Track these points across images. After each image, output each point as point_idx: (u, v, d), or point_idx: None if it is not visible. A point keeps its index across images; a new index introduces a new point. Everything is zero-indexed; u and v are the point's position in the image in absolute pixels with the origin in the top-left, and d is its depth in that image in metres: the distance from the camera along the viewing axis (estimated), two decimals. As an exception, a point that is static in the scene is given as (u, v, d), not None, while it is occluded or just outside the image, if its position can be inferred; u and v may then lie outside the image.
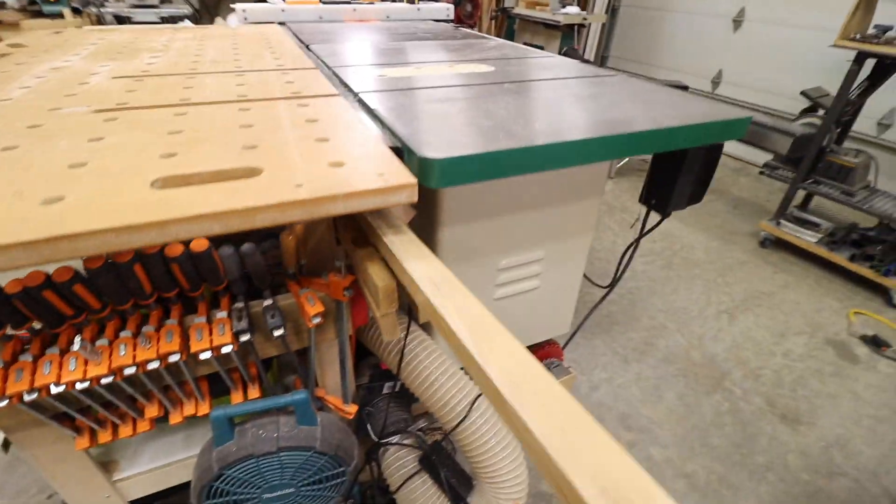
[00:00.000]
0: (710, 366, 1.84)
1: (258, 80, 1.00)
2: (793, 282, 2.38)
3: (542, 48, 3.64)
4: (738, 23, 3.65)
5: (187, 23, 2.65)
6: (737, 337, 1.99)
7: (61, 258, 0.44)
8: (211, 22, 3.40)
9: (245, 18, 1.92)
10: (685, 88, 3.12)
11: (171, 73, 1.03)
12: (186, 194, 0.50)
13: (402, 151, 0.68)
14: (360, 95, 0.91)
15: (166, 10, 2.72)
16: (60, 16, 2.86)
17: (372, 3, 2.21)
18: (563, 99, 0.96)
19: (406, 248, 0.57)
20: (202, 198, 0.50)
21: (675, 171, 1.02)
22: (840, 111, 2.23)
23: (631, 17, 4.53)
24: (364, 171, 0.58)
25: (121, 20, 2.66)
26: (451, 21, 2.33)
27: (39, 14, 2.88)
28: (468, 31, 2.02)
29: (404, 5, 2.22)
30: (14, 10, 2.86)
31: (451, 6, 2.31)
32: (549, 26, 3.41)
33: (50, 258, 0.43)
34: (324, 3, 2.09)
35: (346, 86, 1.00)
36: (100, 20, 2.79)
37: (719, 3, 3.72)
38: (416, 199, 0.58)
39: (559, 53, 3.52)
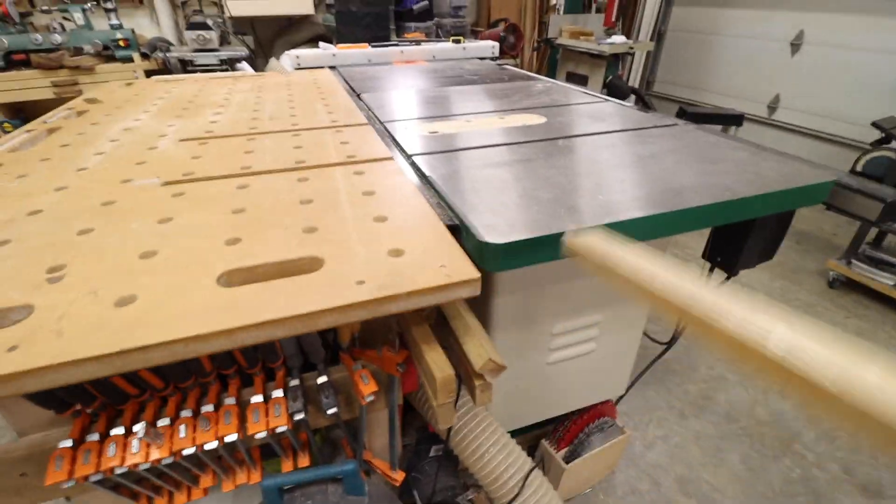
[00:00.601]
0: (778, 425, 1.68)
1: (314, 141, 1.02)
2: (868, 329, 2.17)
3: (587, 78, 3.61)
4: (796, 46, 3.48)
5: (245, 66, 2.81)
6: (806, 391, 1.82)
7: (131, 368, 0.44)
8: (266, 61, 3.59)
9: (298, 64, 2.01)
10: (740, 118, 2.96)
11: (232, 133, 1.07)
12: (252, 294, 0.50)
13: (458, 228, 0.67)
14: (414, 158, 0.90)
15: (225, 53, 2.90)
16: (130, 59, 3.11)
17: (418, 44, 2.25)
18: (621, 160, 0.91)
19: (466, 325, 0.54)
20: (268, 299, 0.49)
21: (744, 233, 0.95)
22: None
23: (678, 41, 4.42)
24: (425, 262, 0.57)
25: (184, 63, 2.85)
26: (497, 58, 2.35)
27: (112, 58, 3.13)
28: (514, 69, 2.02)
29: (449, 45, 2.25)
30: (90, 55, 3.13)
31: (496, 44, 2.33)
32: (594, 55, 3.37)
33: (121, 368, 0.44)
34: (373, 46, 2.15)
35: (398, 145, 1.01)
36: (165, 63, 3.00)
37: (775, 26, 3.56)
38: (478, 292, 0.55)
39: (604, 82, 3.49)
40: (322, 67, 2.00)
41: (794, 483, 1.50)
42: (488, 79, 1.74)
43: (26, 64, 2.92)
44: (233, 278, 0.54)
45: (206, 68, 2.82)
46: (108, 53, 3.13)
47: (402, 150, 0.97)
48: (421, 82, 1.67)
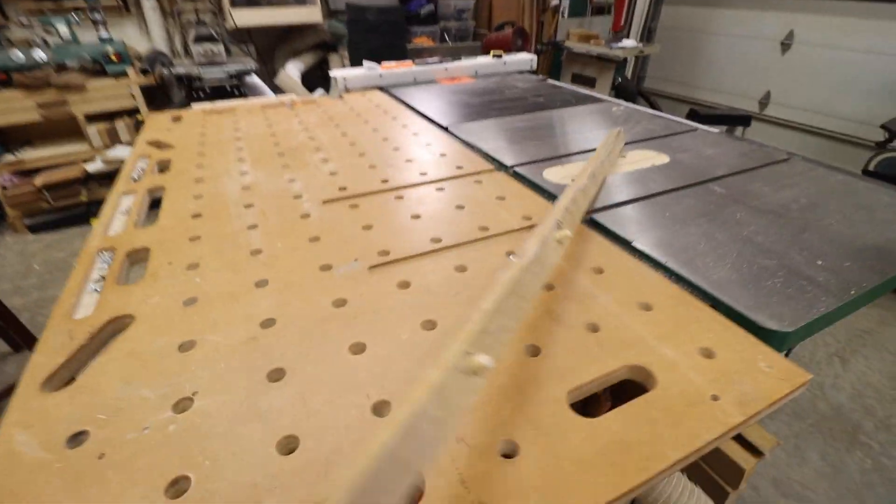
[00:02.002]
0: (840, 418, 1.80)
1: (467, 194, 0.97)
2: (890, 317, 2.35)
3: (594, 80, 3.65)
4: (786, 45, 3.66)
5: (256, 80, 2.64)
6: (854, 383, 1.96)
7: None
8: (265, 70, 3.40)
9: (346, 87, 1.91)
10: (748, 119, 3.10)
11: (368, 190, 1.01)
12: (617, 424, 0.48)
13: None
14: (636, 243, 0.86)
15: (233, 67, 2.70)
16: (124, 74, 2.85)
17: (458, 59, 2.20)
18: (791, 209, 0.93)
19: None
20: (645, 431, 0.47)
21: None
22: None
23: (668, 39, 4.55)
24: (743, 362, 0.56)
25: (189, 79, 2.64)
26: (534, 72, 2.33)
27: (102, 73, 2.87)
28: (567, 86, 2.01)
29: (489, 60, 2.21)
30: (76, 70, 2.86)
31: (535, 57, 2.31)
32: (602, 58, 3.41)
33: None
34: (416, 64, 2.08)
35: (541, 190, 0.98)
36: (162, 79, 2.78)
37: (765, 25, 3.73)
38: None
39: (613, 84, 3.53)
40: (372, 89, 1.92)
41: (869, 473, 1.61)
42: (556, 101, 1.73)
43: (6, 83, 2.63)
44: (572, 397, 0.51)
45: (215, 84, 2.63)
46: (96, 68, 2.86)
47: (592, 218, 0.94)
48: (488, 108, 1.63)
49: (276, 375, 0.54)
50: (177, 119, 1.56)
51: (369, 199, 0.97)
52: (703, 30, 4.20)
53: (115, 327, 0.63)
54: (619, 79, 3.41)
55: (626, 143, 1.28)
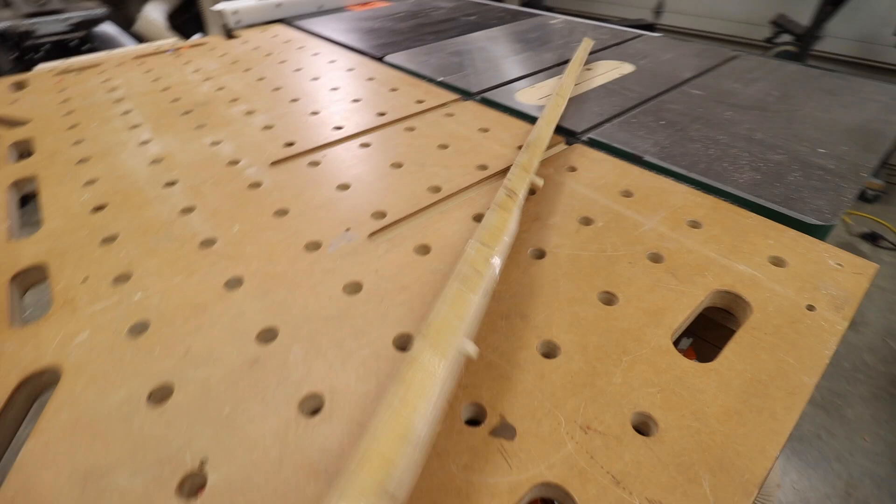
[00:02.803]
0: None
1: (436, 132, 0.83)
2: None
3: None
4: (673, -50, 3.71)
5: (111, 28, 2.08)
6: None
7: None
8: (125, 22, 2.73)
9: (238, 21, 1.56)
10: (652, 27, 3.20)
11: (325, 141, 0.82)
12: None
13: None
14: (647, 157, 0.75)
15: (77, 15, 2.09)
16: (-90, 38, 2.11)
17: (366, -19, 1.89)
18: (773, 102, 0.91)
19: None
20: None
21: None
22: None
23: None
24: (812, 262, 0.52)
25: (20, 36, 1.99)
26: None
27: None
28: (489, 3, 1.83)
29: (402, -21, 1.94)
30: None
31: (449, -27, 2.07)
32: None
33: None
34: None
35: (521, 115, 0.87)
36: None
37: (654, -70, 3.73)
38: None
39: (521, 1, 3.37)
40: (272, 23, 1.59)
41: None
42: (491, 19, 1.56)
43: None
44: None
45: (54, 40, 2.02)
46: None
47: (566, 130, 0.84)
48: (421, 33, 1.43)
49: (314, 405, 0.40)
50: (20, 86, 1.16)
51: (329, 151, 0.79)
52: (596, -62, 4.11)
53: (31, 391, 0.43)
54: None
55: (591, 56, 1.19)
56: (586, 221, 0.60)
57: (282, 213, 0.64)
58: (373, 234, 0.59)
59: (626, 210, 0.62)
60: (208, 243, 0.58)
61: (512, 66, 1.14)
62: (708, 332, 0.53)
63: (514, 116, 0.89)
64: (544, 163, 0.73)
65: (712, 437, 0.36)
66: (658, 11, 3.99)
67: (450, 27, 1.49)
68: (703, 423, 0.37)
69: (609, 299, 0.49)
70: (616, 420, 0.37)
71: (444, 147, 0.79)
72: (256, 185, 0.70)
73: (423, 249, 0.56)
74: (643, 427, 0.37)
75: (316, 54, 1.27)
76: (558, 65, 1.13)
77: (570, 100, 0.92)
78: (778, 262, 0.53)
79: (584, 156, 0.76)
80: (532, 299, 0.48)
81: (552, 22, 1.52)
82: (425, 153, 0.77)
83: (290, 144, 0.81)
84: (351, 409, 0.38)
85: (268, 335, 0.46)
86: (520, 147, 0.78)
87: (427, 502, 0.32)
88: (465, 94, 1.00)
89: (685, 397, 0.39)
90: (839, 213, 0.60)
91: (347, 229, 0.60)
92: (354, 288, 0.51)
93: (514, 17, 1.59)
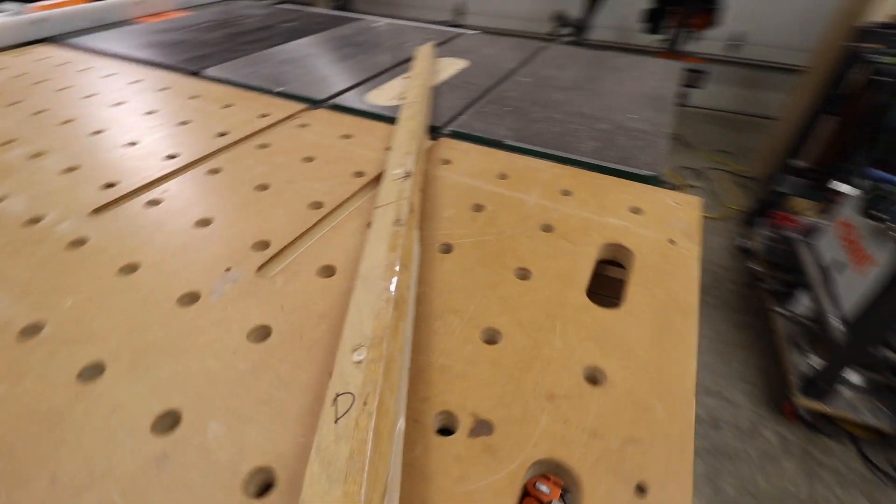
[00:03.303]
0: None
1: (356, 158, 0.76)
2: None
3: (311, 2, 3.33)
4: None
5: None
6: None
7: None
8: None
9: (-25, 44, 1.19)
10: (458, 27, 3.42)
11: (158, 174, 0.68)
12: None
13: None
14: (508, 141, 0.79)
15: None
16: None
17: (150, -12, 1.63)
18: (585, 81, 1.07)
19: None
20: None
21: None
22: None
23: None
24: (657, 205, 0.63)
25: None
26: (252, -4, 1.94)
27: None
28: (306, 9, 1.76)
29: (197, -15, 1.72)
30: None
31: (250, -22, 1.91)
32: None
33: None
34: None
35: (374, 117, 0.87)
36: None
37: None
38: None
39: (336, 8, 3.32)
40: (35, 44, 1.25)
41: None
42: (312, 25, 1.50)
43: None
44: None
45: None
46: None
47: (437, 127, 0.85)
48: (237, 43, 1.30)
49: (262, 480, 0.33)
50: None
51: (169, 185, 0.66)
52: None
53: None
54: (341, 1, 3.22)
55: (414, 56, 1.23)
56: (477, 208, 0.62)
57: (129, 269, 0.51)
58: (261, 267, 0.51)
59: (508, 191, 0.66)
60: (32, 331, 0.43)
61: (351, 70, 1.11)
62: (601, 290, 0.60)
63: (372, 119, 0.88)
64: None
65: (647, 369, 0.41)
66: (459, 13, 4.36)
67: (269, 35, 1.38)
68: (636, 359, 0.42)
69: (524, 275, 0.51)
70: (572, 380, 0.40)
71: (309, 160, 0.73)
72: (79, 242, 0.55)
73: (327, 270, 0.51)
74: (594, 379, 0.40)
75: (110, 75, 1.05)
76: (397, 65, 1.14)
77: (437, 92, 0.94)
78: (636, 210, 0.62)
79: (453, 148, 0.78)
80: (457, 293, 0.48)
81: (375, 25, 1.53)
82: (291, 169, 0.70)
83: (111, 185, 0.65)
84: (310, 468, 0.33)
85: (168, 421, 0.36)
86: (388, 148, 0.76)
87: (433, 533, 0.30)
88: (312, 103, 0.94)
89: (615, 342, 0.43)
90: (662, 163, 0.74)
91: (227, 269, 0.51)
92: (262, 332, 0.44)
93: (335, 22, 1.56)
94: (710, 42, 3.33)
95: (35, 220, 0.58)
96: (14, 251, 0.53)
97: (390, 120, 0.86)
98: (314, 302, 0.47)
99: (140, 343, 0.42)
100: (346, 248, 0.54)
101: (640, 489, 0.33)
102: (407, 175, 0.54)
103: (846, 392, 1.43)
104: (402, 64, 1.15)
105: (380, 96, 0.96)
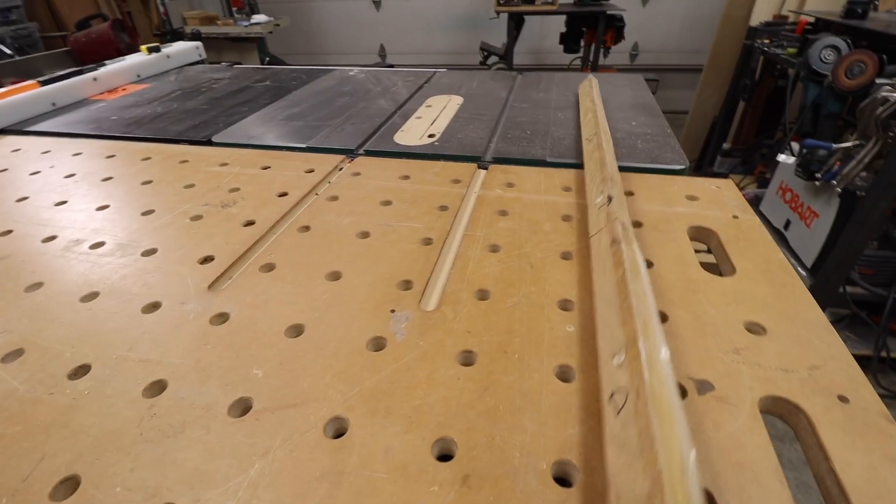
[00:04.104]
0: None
1: (432, 197, 0.80)
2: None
3: (239, 63, 3.30)
4: (377, 3, 4.28)
5: None
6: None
7: None
8: None
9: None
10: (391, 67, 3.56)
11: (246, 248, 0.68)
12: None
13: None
14: (548, 158, 0.89)
15: None
16: None
17: (104, 66, 1.56)
18: (567, 100, 1.21)
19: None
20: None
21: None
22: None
23: (272, 12, 4.51)
24: (708, 190, 0.75)
25: None
26: (201, 62, 1.93)
27: None
28: (270, 67, 1.77)
29: (150, 57, 1.68)
30: None
31: (200, 44, 1.90)
32: (238, 39, 3.10)
33: None
34: (44, 83, 1.36)
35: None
36: None
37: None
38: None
39: (262, 63, 3.34)
40: (-12, 138, 1.15)
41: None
42: (289, 80, 1.53)
43: None
44: (709, 276, 0.57)
45: None
46: None
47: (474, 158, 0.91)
48: (230, 107, 1.30)
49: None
50: None
51: (270, 250, 0.67)
52: (305, -1, 4.38)
53: None
54: (268, 58, 3.23)
55: (410, 96, 1.30)
56: (566, 218, 0.70)
57: (295, 330, 0.52)
58: (420, 301, 0.55)
59: (579, 200, 0.75)
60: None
61: (360, 118, 1.15)
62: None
63: (415, 158, 0.93)
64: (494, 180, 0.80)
65: (786, 314, 0.50)
66: (382, 55, 4.53)
67: (254, 95, 1.39)
68: (775, 309, 0.51)
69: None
70: (741, 336, 0.48)
71: (387, 203, 0.77)
72: (223, 316, 0.54)
73: (482, 294, 0.56)
74: (755, 331, 0.49)
75: (111, 156, 1.00)
76: (400, 107, 1.21)
77: (455, 127, 1.02)
78: (693, 198, 0.73)
79: (506, 171, 0.85)
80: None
81: (351, 74, 1.59)
82: (375, 214, 0.74)
83: (209, 259, 0.65)
84: None
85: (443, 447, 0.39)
86: (454, 181, 0.82)
87: None
88: (348, 153, 0.97)
89: (750, 300, 0.52)
90: (685, 157, 0.87)
91: (392, 311, 0.53)
92: (469, 356, 0.47)
93: (309, 76, 1.59)
94: (617, 55, 3.77)
95: (155, 306, 0.57)
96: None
97: (434, 157, 0.92)
98: (489, 324, 0.51)
99: (367, 391, 0.44)
100: (463, 268, 0.59)
101: (842, 399, 0.41)
102: (610, 199, 0.60)
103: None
104: (403, 106, 1.22)
105: (408, 137, 1.02)
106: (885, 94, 1.36)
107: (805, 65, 1.65)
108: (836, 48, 1.61)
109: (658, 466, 0.31)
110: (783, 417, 0.42)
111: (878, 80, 1.46)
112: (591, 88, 1.12)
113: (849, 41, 1.60)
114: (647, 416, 0.35)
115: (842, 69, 1.51)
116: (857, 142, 1.44)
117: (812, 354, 0.46)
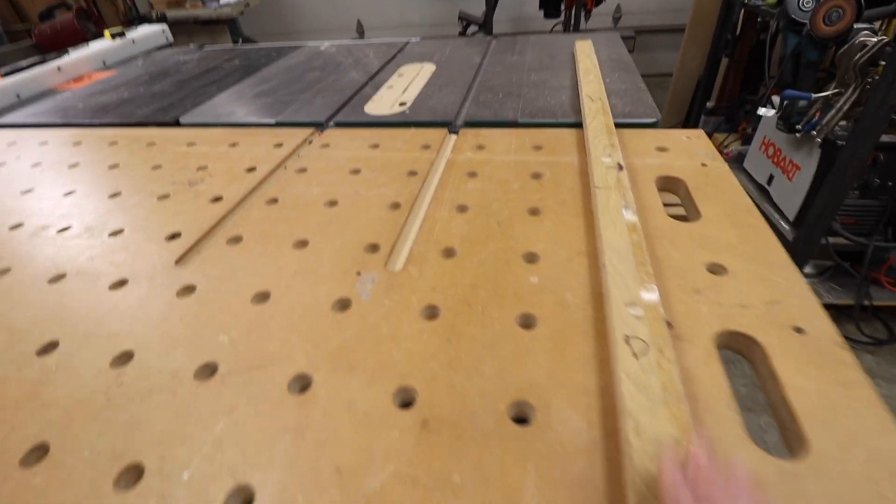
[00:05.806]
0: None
1: (404, 162, 0.79)
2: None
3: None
4: (352, -23, 4.14)
5: None
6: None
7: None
8: None
9: None
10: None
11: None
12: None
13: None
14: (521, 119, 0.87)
15: None
16: None
17: (67, 54, 1.51)
18: (548, 61, 1.19)
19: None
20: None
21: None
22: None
23: (244, -8, 4.35)
24: (677, 142, 0.74)
25: None
26: (170, 45, 1.87)
27: None
28: (240, 47, 1.73)
29: (115, 43, 1.63)
30: None
31: (166, 27, 1.84)
32: (209, 22, 3.01)
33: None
34: (6, 74, 1.32)
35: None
36: None
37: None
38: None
39: (234, 42, 3.24)
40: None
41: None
42: (260, 59, 1.49)
43: None
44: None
45: None
46: None
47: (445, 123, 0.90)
48: (197, 88, 1.27)
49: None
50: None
51: (240, 224, 0.66)
52: (274, -25, 4.23)
53: None
54: (240, 39, 3.14)
55: (382, 66, 1.28)
56: (536, 176, 0.70)
57: (260, 297, 0.52)
58: (386, 263, 0.55)
59: (552, 158, 0.74)
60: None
61: (331, 91, 1.13)
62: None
63: (386, 127, 0.91)
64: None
65: (749, 255, 0.50)
66: (360, 32, 4.42)
67: (222, 76, 1.36)
68: (737, 251, 0.51)
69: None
70: (703, 276, 0.48)
71: (356, 171, 0.76)
72: (189, 288, 0.54)
73: (449, 252, 0.56)
74: (716, 271, 0.49)
75: (78, 144, 0.98)
76: (371, 78, 1.19)
77: (427, 94, 1.00)
78: (662, 149, 0.73)
79: (477, 135, 0.84)
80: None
81: (322, 49, 1.55)
82: (345, 184, 0.73)
83: (176, 236, 0.64)
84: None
85: (404, 397, 0.39)
86: (424, 147, 0.81)
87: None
88: (317, 125, 0.96)
89: (714, 243, 0.52)
90: (656, 110, 0.86)
91: (358, 273, 0.54)
92: (432, 310, 0.48)
93: (277, 53, 1.55)
94: (599, 17, 3.68)
95: (122, 283, 0.56)
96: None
97: (405, 125, 0.91)
98: (454, 281, 0.51)
99: (333, 350, 0.44)
100: (430, 230, 0.59)
101: (798, 330, 0.42)
102: (621, 167, 0.61)
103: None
104: (374, 76, 1.20)
105: (379, 106, 1.00)
106: (863, 38, 1.35)
107: (784, 14, 1.62)
108: (815, -5, 1.58)
109: (686, 419, 0.32)
110: (741, 352, 0.43)
111: (856, 26, 1.44)
112: (586, 50, 1.13)
113: (829, -12, 1.57)
114: (670, 373, 0.36)
115: (820, 16, 1.48)
116: (836, 90, 1.43)
117: (772, 291, 0.46)
